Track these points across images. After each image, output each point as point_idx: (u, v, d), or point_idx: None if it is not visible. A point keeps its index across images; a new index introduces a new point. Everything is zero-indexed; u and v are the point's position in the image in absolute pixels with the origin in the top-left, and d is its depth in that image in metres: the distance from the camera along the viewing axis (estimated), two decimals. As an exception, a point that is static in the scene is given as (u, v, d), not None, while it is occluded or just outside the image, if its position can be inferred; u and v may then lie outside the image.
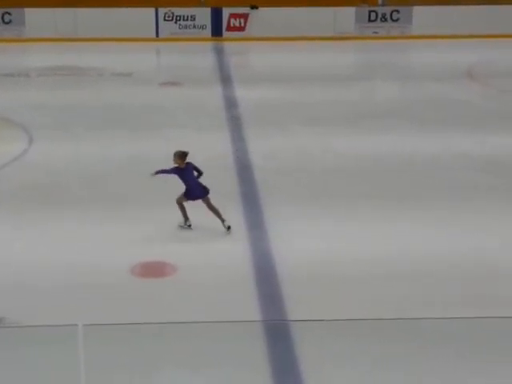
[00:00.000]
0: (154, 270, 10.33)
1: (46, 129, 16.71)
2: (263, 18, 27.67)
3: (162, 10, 27.61)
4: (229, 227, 11.38)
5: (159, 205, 12.41)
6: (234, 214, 12.11)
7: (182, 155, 11.42)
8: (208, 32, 27.77)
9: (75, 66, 23.30)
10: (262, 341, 8.52)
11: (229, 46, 26.85)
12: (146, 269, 10.31)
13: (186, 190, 11.42)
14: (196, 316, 9.01)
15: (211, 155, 14.96)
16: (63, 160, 14.55)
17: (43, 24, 26.94)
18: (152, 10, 27.56)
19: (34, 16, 27.12)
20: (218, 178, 13.78)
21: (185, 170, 11.40)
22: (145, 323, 8.54)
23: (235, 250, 10.88)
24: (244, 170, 14.37)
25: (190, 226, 11.59)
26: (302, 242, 11.20)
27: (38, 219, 11.84)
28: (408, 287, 9.95)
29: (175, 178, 11.41)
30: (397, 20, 27.92)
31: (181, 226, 11.56)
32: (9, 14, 27.31)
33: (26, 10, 27.28)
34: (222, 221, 11.42)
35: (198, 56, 25.55)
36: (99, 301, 9.45)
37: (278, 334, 8.79)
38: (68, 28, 27.04)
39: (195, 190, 11.39)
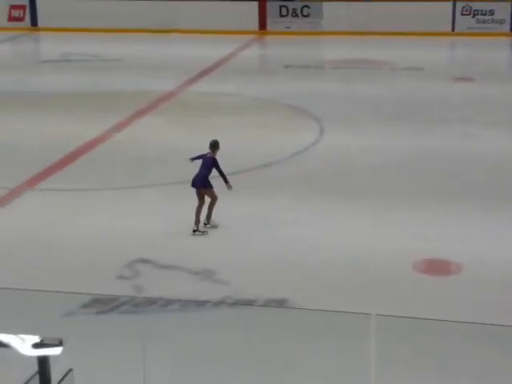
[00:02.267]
0: (438, 266, 10.16)
1: (336, 120, 17.05)
2: None
3: (459, 4, 27.10)
4: (202, 232, 11.09)
5: (425, 200, 12.24)
6: None
7: (211, 144, 11.30)
8: (507, 27, 26.81)
9: (368, 60, 23.56)
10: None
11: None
12: (429, 265, 10.16)
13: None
14: (479, 317, 8.72)
15: (502, 153, 14.48)
16: (348, 151, 14.78)
17: (339, 17, 27.54)
18: (449, 4, 27.13)
19: (331, 9, 27.80)
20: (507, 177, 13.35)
21: (205, 158, 11.21)
22: (430, 319, 8.37)
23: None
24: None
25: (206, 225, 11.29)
26: None
27: (321, 208, 12.09)
28: None
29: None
30: None
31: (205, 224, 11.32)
32: (308, 7, 28.24)
33: (324, 3, 28.08)
34: (206, 222, 11.22)
35: (495, 51, 24.76)
36: (382, 292, 9.45)
37: None
38: (362, 21, 27.41)
39: (196, 179, 11.17)
